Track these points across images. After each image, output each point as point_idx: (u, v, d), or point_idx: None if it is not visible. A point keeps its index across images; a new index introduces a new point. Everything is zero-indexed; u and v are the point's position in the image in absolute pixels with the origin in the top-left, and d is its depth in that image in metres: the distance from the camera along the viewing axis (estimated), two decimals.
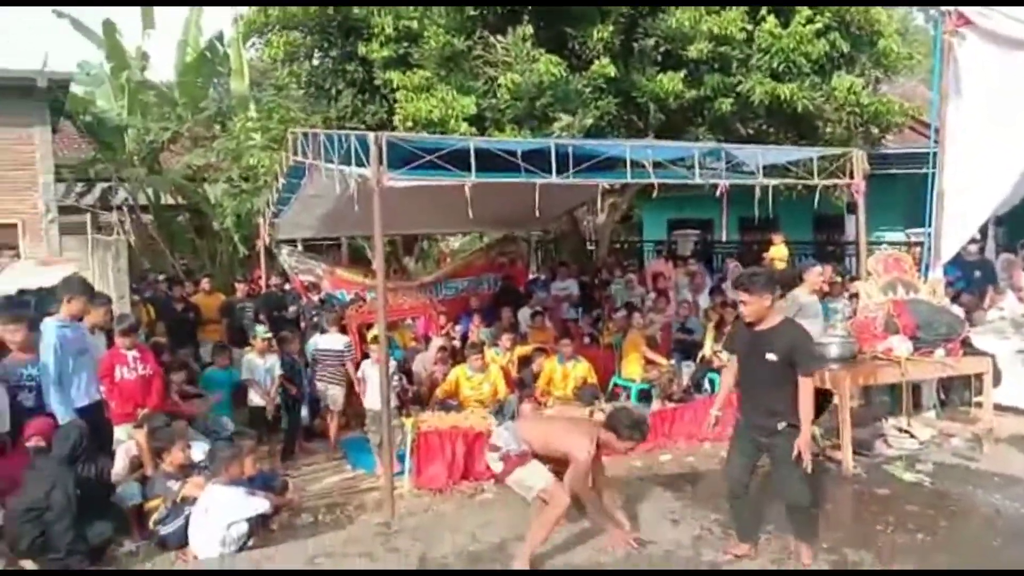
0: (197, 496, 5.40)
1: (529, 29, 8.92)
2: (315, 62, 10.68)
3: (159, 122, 14.87)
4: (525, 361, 9.01)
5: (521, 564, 4.82)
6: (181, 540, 5.40)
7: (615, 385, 8.97)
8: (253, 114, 13.65)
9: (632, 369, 8.91)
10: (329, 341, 8.30)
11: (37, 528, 4.99)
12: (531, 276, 13.21)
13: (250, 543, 5.37)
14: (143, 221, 15.74)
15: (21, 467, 5.34)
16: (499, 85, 9.08)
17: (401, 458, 6.74)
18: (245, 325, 9.80)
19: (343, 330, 8.68)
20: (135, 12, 15.84)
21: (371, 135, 5.86)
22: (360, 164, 6.07)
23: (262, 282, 11.26)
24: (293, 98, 12.01)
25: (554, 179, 6.40)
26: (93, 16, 22.81)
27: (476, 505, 6.24)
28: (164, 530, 5.45)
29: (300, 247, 11.11)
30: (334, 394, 8.08)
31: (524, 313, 10.16)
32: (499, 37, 9.18)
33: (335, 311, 9.31)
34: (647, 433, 5.24)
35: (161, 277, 13.35)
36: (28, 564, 4.98)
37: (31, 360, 5.77)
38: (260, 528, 5.49)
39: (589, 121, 9.03)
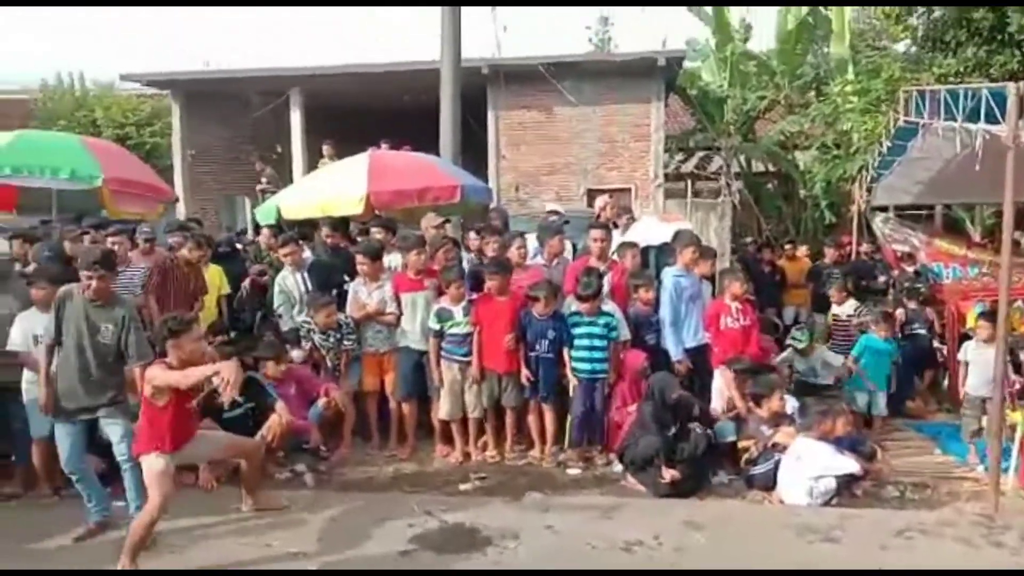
0: (787, 444, 5.68)
1: None
2: (936, 13, 9.86)
3: (756, 91, 15.52)
4: None
5: None
6: (768, 482, 5.73)
7: None
8: (851, 77, 13.29)
9: None
10: (843, 308, 8.17)
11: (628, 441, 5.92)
12: None
13: (834, 501, 5.45)
14: (734, 187, 16.71)
15: None
16: None
17: (1006, 453, 6.01)
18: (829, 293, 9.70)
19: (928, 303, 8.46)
20: None
21: (1010, 86, 5.23)
22: (990, 120, 5.48)
23: (851, 248, 10.98)
24: (894, 56, 11.34)
25: None
26: None
27: None
28: (754, 470, 5.86)
29: (892, 214, 10.54)
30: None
31: None
32: None
33: (929, 284, 8.77)
34: None
35: (749, 240, 14.06)
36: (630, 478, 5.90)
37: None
38: (845, 489, 5.53)
39: None
